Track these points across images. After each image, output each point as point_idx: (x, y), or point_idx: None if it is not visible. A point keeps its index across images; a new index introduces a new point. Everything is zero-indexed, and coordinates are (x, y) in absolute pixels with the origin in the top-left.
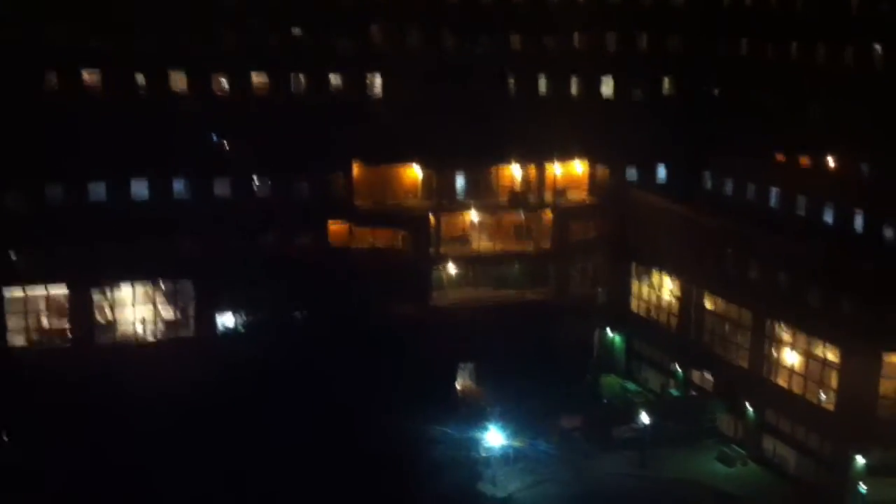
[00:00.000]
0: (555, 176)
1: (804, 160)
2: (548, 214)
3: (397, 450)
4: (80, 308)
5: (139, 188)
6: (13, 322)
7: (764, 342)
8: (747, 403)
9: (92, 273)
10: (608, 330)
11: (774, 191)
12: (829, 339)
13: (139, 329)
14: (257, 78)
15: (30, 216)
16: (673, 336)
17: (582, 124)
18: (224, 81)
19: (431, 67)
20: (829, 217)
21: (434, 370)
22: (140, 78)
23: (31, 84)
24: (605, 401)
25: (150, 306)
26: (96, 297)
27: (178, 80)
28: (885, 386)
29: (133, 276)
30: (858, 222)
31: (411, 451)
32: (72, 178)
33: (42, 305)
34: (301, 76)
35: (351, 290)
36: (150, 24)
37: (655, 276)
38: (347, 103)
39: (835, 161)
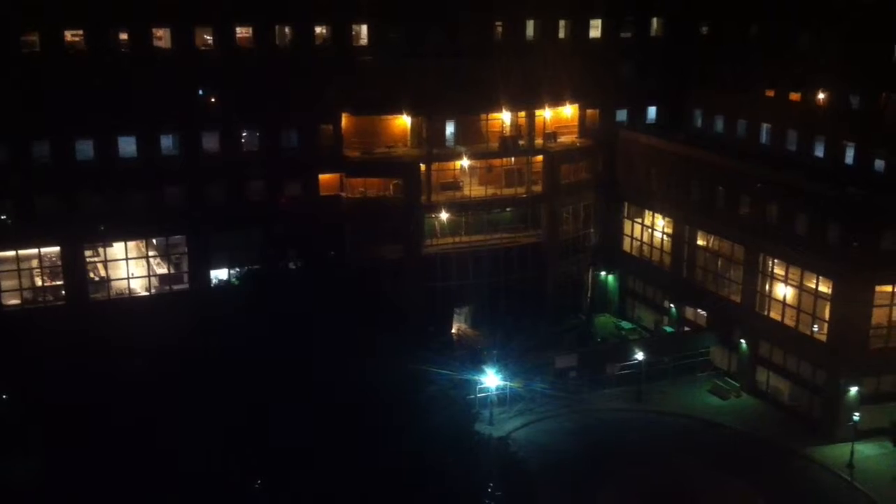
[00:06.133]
0: (545, 120)
1: (794, 95)
2: (539, 159)
3: (388, 387)
4: (72, 266)
5: (127, 145)
6: (7, 282)
7: (756, 276)
8: (740, 337)
9: (83, 232)
10: (601, 270)
11: (765, 126)
12: (822, 271)
13: (133, 285)
14: (242, 31)
15: (18, 176)
16: (666, 274)
17: (571, 68)
18: (208, 36)
19: (415, 15)
20: (819, 151)
21: (428, 314)
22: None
23: (11, 42)
24: (600, 339)
25: (144, 262)
26: (88, 254)
27: (163, 36)
28: (877, 316)
29: (125, 234)
30: (849, 155)
31: (402, 389)
32: (59, 137)
33: (35, 265)
34: (286, 28)
35: (342, 238)
36: None
37: (647, 216)
38: (333, 54)
39: (824, 95)
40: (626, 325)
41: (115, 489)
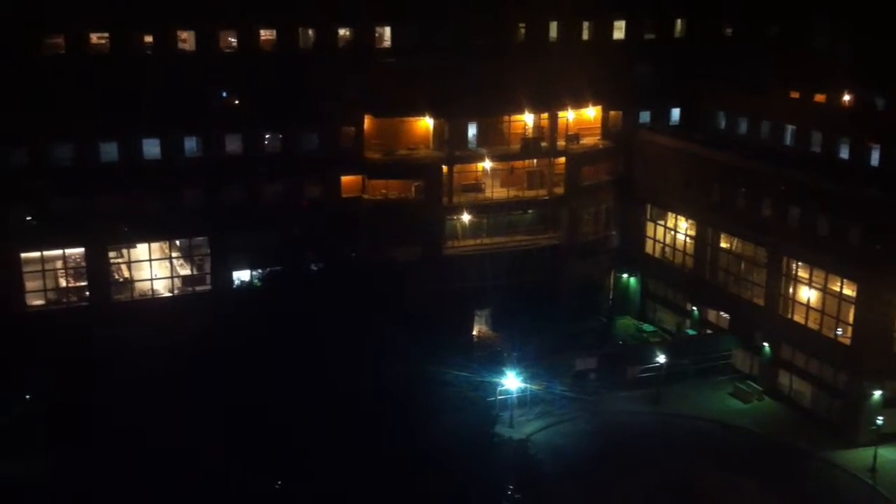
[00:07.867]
0: (567, 122)
1: (819, 97)
2: (560, 160)
3: (407, 389)
4: (96, 267)
5: (150, 147)
6: (31, 283)
7: (780, 279)
8: (763, 340)
9: (107, 233)
10: (623, 272)
11: (789, 128)
12: (846, 274)
13: (156, 286)
14: (265, 34)
15: (42, 178)
16: (688, 276)
17: (593, 69)
18: (232, 39)
19: (438, 16)
20: (844, 152)
21: (449, 316)
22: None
23: (31, 45)
24: (621, 341)
25: (167, 263)
26: (112, 255)
27: (187, 38)
28: None
29: (148, 235)
30: (874, 156)
31: (422, 390)
32: (82, 139)
33: (59, 266)
34: (309, 30)
35: (363, 240)
36: None
37: (670, 218)
38: (356, 56)
39: (849, 96)
40: (647, 327)
41: (135, 487)
